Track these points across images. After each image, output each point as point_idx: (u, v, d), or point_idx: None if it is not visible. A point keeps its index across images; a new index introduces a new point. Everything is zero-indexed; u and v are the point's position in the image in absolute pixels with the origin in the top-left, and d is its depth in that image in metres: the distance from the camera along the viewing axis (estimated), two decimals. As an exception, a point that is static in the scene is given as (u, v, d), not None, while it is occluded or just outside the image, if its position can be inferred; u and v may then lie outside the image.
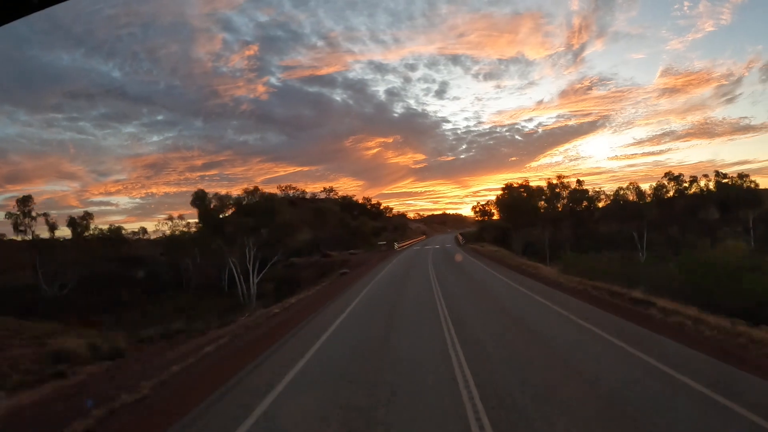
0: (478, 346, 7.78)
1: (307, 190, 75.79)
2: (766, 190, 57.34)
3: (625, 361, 6.60)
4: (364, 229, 59.34)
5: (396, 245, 49.47)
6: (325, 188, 70.68)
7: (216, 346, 9.14)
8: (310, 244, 57.32)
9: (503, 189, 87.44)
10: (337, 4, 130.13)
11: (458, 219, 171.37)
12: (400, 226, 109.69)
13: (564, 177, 55.73)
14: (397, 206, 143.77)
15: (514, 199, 51.33)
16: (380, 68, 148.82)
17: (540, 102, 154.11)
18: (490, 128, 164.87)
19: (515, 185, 68.91)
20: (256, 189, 37.81)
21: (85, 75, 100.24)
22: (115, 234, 65.71)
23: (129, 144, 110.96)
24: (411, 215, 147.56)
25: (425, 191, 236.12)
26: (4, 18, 1.55)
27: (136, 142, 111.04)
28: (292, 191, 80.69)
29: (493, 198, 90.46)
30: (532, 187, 52.52)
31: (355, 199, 74.12)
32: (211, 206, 38.07)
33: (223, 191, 55.06)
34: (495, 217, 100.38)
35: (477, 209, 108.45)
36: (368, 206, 73.97)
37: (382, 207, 78.62)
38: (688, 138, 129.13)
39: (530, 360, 6.88)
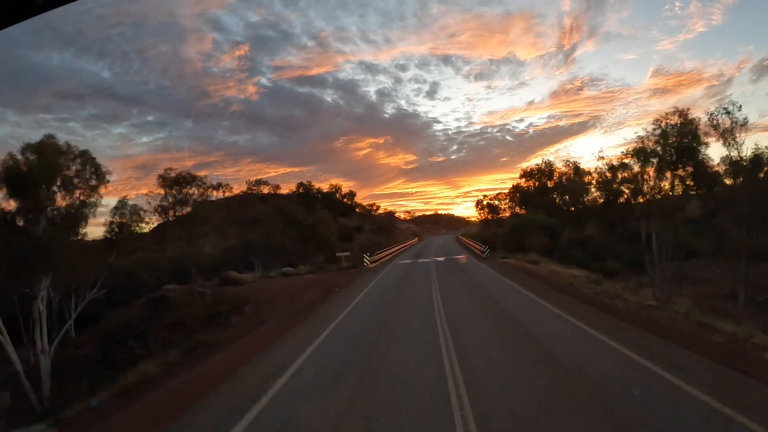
0: None
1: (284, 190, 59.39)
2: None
3: None
4: (324, 230, 37.66)
5: (367, 260, 27.67)
6: (302, 183, 49.52)
7: None
8: (235, 256, 35.73)
9: (524, 176, 66.76)
10: (328, 4, 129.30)
11: (451, 219, 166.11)
12: (387, 226, 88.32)
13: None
14: (388, 207, 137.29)
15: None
16: (371, 68, 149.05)
17: (531, 102, 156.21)
18: (481, 129, 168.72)
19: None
20: (49, 136, 15.92)
21: (75, 75, 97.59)
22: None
23: (119, 145, 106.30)
24: (402, 215, 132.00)
25: (416, 192, 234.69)
26: (9, 20, 1.53)
27: (126, 143, 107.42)
28: (266, 189, 61.62)
29: (505, 190, 70.51)
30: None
31: (317, 187, 51.96)
32: None
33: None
34: (506, 215, 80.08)
35: (482, 205, 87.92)
36: (337, 196, 52.00)
37: (359, 202, 56.34)
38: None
39: None
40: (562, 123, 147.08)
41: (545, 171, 49.15)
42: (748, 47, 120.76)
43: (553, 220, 35.90)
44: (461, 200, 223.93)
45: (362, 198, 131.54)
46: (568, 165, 49.23)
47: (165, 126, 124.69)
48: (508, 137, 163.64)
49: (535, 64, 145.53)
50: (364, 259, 27.16)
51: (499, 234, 68.26)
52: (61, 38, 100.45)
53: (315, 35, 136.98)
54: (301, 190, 47.94)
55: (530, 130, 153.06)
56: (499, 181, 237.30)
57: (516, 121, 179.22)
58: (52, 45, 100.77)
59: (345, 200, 54.05)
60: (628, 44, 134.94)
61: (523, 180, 66.42)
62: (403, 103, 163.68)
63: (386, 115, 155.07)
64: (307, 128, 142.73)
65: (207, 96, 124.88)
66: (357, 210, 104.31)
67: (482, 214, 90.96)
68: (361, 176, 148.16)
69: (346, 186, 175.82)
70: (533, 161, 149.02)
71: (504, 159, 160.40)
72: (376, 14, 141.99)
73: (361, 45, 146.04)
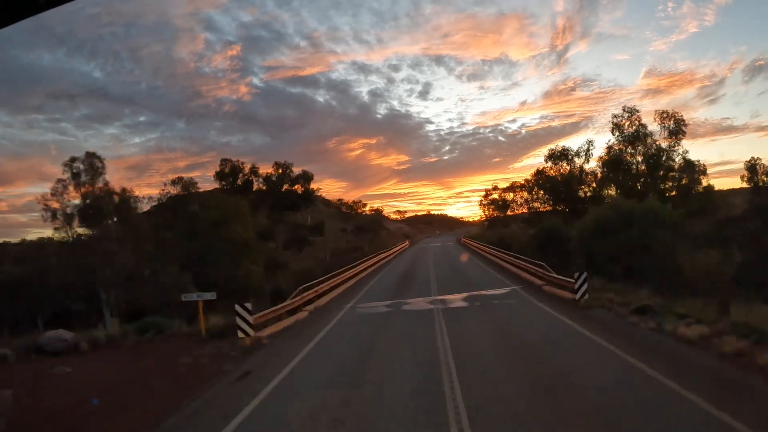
0: None
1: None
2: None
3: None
4: (236, 233, 20.29)
5: (245, 323, 9.91)
6: (227, 160, 31.49)
7: None
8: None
9: (551, 158, 49.48)
10: (321, 3, 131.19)
11: (445, 219, 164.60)
12: (371, 226, 71.18)
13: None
14: (382, 208, 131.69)
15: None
16: (363, 69, 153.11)
17: (523, 103, 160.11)
18: (473, 129, 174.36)
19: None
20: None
21: (67, 75, 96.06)
22: None
23: (111, 145, 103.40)
24: (394, 216, 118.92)
25: (409, 192, 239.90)
26: (11, 17, 1.57)
27: (118, 144, 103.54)
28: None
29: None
30: None
31: (250, 167, 33.02)
32: None
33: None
34: (521, 211, 63.46)
35: (490, 198, 70.95)
36: (274, 177, 33.64)
37: (316, 188, 37.44)
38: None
39: None
40: (554, 123, 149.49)
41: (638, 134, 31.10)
42: (741, 48, 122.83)
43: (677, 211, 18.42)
44: (454, 201, 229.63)
45: (353, 199, 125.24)
46: (665, 119, 31.51)
47: (157, 126, 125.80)
48: (500, 138, 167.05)
49: (528, 64, 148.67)
50: (240, 323, 9.48)
51: (516, 236, 51.54)
52: (53, 38, 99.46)
53: (307, 35, 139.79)
54: (227, 170, 30.09)
55: (523, 131, 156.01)
56: (491, 182, 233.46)
57: (509, 121, 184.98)
58: (44, 45, 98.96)
59: (297, 188, 35.76)
60: (621, 45, 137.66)
61: (550, 164, 49.69)
62: (395, 103, 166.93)
63: (379, 116, 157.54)
64: (299, 129, 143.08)
65: (199, 96, 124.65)
66: (344, 209, 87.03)
67: (488, 212, 74.26)
68: (353, 177, 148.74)
69: (339, 187, 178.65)
70: (526, 162, 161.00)
71: (496, 159, 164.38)
72: (369, 14, 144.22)
73: (353, 45, 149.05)
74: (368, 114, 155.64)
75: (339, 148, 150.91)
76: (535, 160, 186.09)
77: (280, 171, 34.25)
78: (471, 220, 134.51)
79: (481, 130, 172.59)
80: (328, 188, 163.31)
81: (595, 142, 48.41)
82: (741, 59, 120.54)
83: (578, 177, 46.77)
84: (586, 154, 47.65)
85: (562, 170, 46.75)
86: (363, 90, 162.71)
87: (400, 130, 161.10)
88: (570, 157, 47.89)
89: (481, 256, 31.87)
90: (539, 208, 57.37)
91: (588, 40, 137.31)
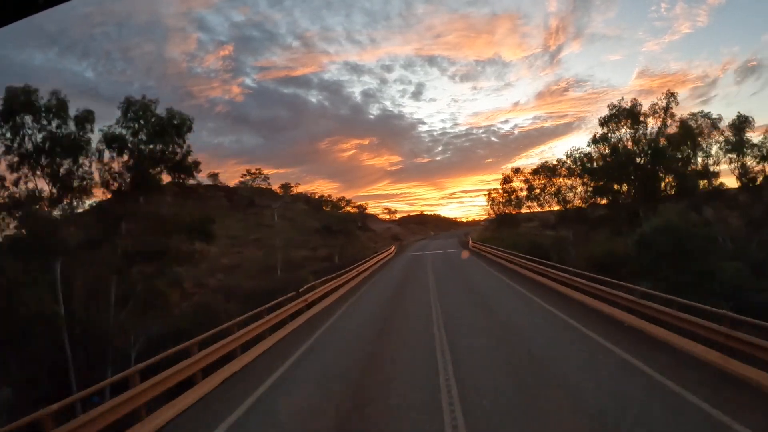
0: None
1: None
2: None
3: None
4: None
5: None
6: (10, 88, 15.46)
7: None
8: None
9: (609, 121, 32.35)
10: (313, 3, 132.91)
11: (439, 219, 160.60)
12: (340, 226, 54.01)
13: None
14: (375, 208, 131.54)
15: None
16: (356, 69, 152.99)
17: (516, 103, 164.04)
18: (466, 130, 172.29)
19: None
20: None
21: (59, 75, 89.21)
22: None
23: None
24: (383, 215, 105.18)
25: (401, 193, 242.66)
26: (9, 17, 1.56)
27: None
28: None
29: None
30: None
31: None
32: None
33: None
34: (550, 207, 46.52)
35: (504, 191, 54.05)
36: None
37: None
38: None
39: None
40: (547, 124, 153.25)
41: None
42: (733, 49, 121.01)
43: None
44: (446, 201, 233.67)
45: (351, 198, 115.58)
46: None
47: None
48: (493, 138, 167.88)
49: (521, 65, 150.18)
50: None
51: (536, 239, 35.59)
52: (45, 37, 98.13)
53: (300, 35, 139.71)
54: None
55: (515, 131, 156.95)
56: (484, 182, 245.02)
57: (501, 122, 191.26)
58: (36, 44, 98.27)
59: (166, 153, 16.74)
60: (614, 45, 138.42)
61: (606, 130, 32.74)
62: (388, 104, 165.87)
63: (371, 116, 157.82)
64: (292, 129, 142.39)
65: (191, 96, 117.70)
66: (325, 206, 68.53)
67: (497, 207, 57.42)
68: (345, 177, 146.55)
69: (331, 187, 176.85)
70: (518, 162, 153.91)
71: (489, 160, 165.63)
72: (362, 14, 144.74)
73: (346, 45, 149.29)
74: (361, 114, 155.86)
75: (331, 149, 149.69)
76: (528, 161, 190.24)
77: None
78: (465, 220, 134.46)
79: (474, 131, 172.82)
80: (321, 189, 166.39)
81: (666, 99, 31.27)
82: (733, 60, 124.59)
83: (657, 146, 30.43)
84: (665, 112, 31.31)
85: (635, 136, 30.21)
86: (356, 90, 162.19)
87: (393, 130, 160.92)
88: (640, 118, 31.45)
89: (556, 293, 14.50)
90: (573, 200, 40.80)
91: (581, 40, 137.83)
